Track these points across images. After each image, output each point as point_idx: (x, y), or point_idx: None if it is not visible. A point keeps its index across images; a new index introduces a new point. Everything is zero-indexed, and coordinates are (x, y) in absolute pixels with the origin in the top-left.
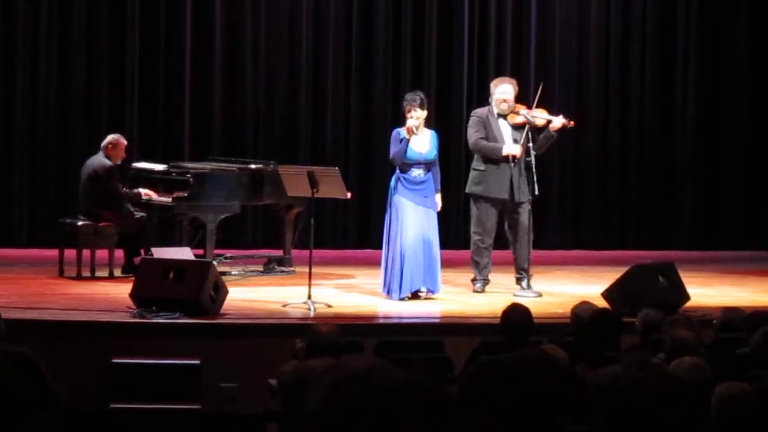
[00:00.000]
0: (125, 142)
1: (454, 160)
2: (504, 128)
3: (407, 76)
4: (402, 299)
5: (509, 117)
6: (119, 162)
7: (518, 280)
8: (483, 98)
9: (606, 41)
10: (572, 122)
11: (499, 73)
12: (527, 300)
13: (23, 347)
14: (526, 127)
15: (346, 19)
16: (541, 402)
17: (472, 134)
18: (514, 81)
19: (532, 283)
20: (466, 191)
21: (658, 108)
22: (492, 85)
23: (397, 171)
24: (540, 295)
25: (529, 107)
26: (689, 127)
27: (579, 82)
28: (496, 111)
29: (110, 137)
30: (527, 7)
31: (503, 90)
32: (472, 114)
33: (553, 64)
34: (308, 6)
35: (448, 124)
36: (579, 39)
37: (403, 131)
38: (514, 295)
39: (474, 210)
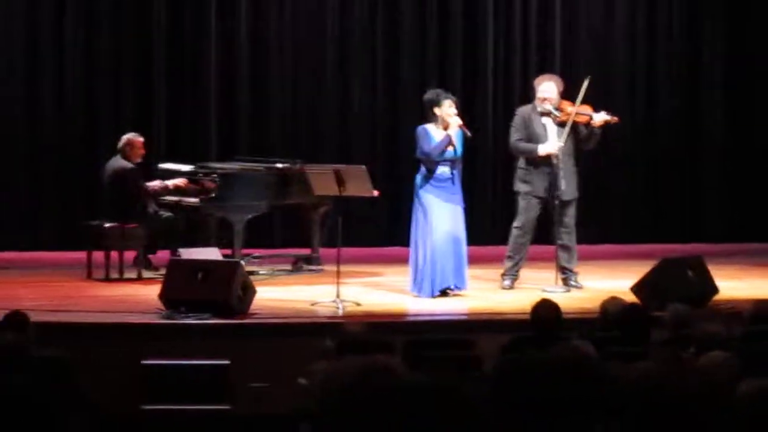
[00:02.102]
0: (141, 139)
1: (479, 158)
2: (548, 126)
3: (433, 72)
4: (433, 297)
5: (552, 115)
6: (139, 160)
7: (564, 281)
8: (508, 97)
9: (632, 32)
10: (615, 118)
11: (525, 72)
12: (556, 295)
13: (59, 351)
14: (568, 125)
15: (371, 17)
16: (573, 400)
17: (512, 135)
18: (557, 78)
19: (578, 278)
20: (514, 188)
21: (684, 100)
22: (535, 82)
23: (423, 168)
24: (569, 290)
25: (574, 104)
26: (717, 118)
27: (604, 75)
28: (538, 109)
29: (125, 137)
30: (552, 2)
31: (544, 88)
32: (515, 112)
33: (578, 57)
34: (334, 3)
35: (472, 124)
36: (604, 32)
37: (430, 129)
38: (543, 291)
39: (518, 206)
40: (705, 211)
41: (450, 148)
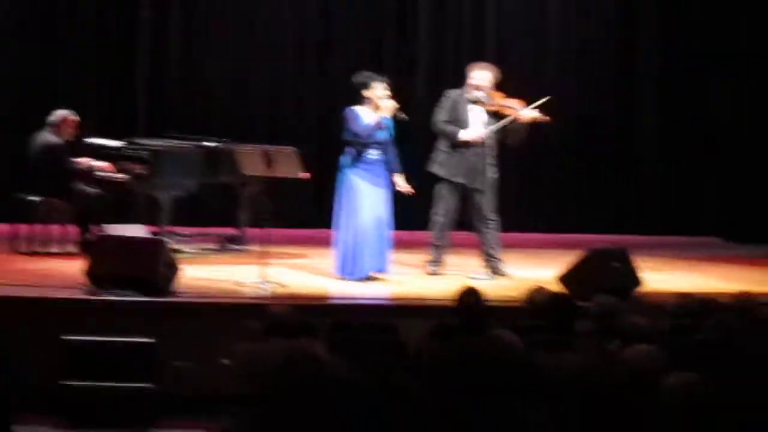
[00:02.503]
0: (75, 119)
1: (412, 142)
2: (474, 114)
3: (365, 55)
4: (362, 280)
5: (480, 103)
6: (69, 138)
7: (490, 268)
8: (441, 80)
9: (565, 17)
10: (546, 117)
11: (457, 54)
12: (481, 282)
13: None
14: (508, 119)
15: None
16: (499, 389)
17: (437, 114)
18: (493, 68)
19: (504, 266)
20: (429, 169)
21: (615, 91)
22: (468, 68)
23: (352, 150)
24: (494, 278)
25: (507, 97)
26: (648, 110)
27: (537, 61)
28: (467, 96)
29: (60, 113)
30: None
31: (478, 75)
32: (444, 93)
33: (511, 41)
34: None
35: (407, 108)
36: (538, 17)
37: (360, 110)
38: (469, 278)
39: (436, 191)
40: (636, 202)
41: (381, 131)
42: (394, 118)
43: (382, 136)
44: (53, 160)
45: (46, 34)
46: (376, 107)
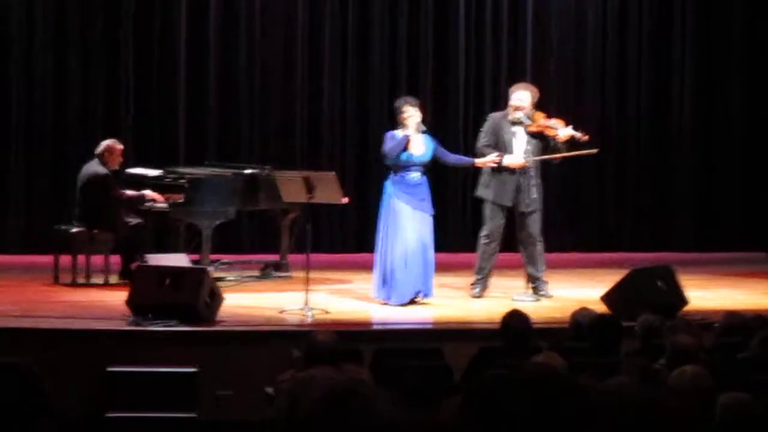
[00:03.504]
0: (121, 147)
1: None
2: (517, 135)
3: (403, 79)
4: (404, 305)
5: (523, 124)
6: (116, 167)
7: (534, 289)
8: (479, 103)
9: (603, 41)
10: (586, 136)
11: (495, 78)
12: (525, 304)
13: (23, 358)
14: (544, 136)
15: (342, 23)
16: (546, 416)
17: (480, 139)
18: (533, 88)
19: (548, 287)
20: (475, 194)
21: (655, 109)
22: (510, 90)
23: (392, 174)
24: (539, 299)
25: (549, 116)
26: (686, 127)
27: (576, 83)
28: (510, 117)
29: (105, 143)
30: (523, 9)
31: (518, 96)
32: (486, 117)
33: (549, 67)
34: (304, 9)
35: (444, 129)
36: (576, 41)
37: (397, 133)
38: (513, 300)
39: (483, 213)
40: (675, 219)
41: (416, 152)
42: (434, 141)
43: (423, 158)
44: (101, 191)
45: (85, 66)
46: (403, 127)
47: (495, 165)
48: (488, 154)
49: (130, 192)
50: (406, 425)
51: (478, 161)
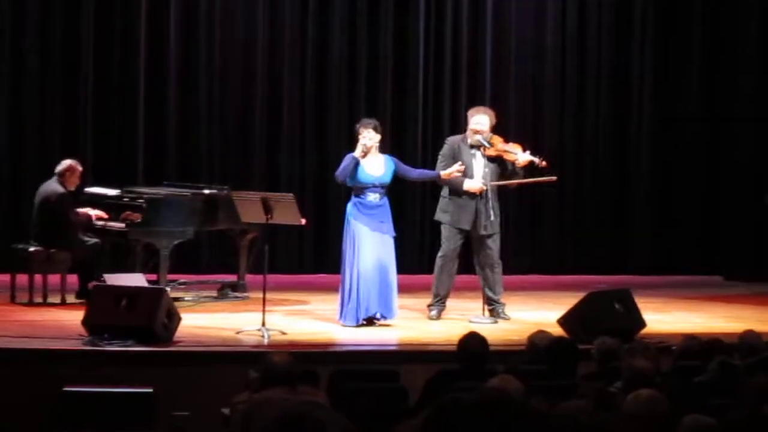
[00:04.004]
0: (81, 168)
1: (410, 185)
2: (476, 159)
3: (362, 102)
4: (358, 326)
5: (482, 148)
6: (73, 188)
7: (491, 312)
8: (438, 125)
9: (562, 65)
10: (544, 162)
11: (454, 102)
12: (483, 326)
13: None
14: (502, 160)
15: (301, 45)
16: None
17: (439, 163)
18: (490, 112)
19: (505, 309)
20: (435, 218)
21: (613, 133)
22: (468, 113)
23: (353, 196)
24: (496, 322)
25: (507, 141)
26: (644, 151)
27: (534, 106)
28: (469, 140)
29: (66, 163)
30: (482, 33)
31: (477, 120)
32: (445, 141)
33: (508, 90)
34: (264, 30)
35: (402, 152)
36: (534, 63)
37: (355, 153)
38: (470, 322)
39: (441, 235)
40: (631, 243)
41: (375, 173)
42: (365, 155)
43: (382, 179)
44: (58, 210)
45: (45, 82)
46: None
47: (460, 174)
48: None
49: (81, 210)
50: None
51: (443, 173)
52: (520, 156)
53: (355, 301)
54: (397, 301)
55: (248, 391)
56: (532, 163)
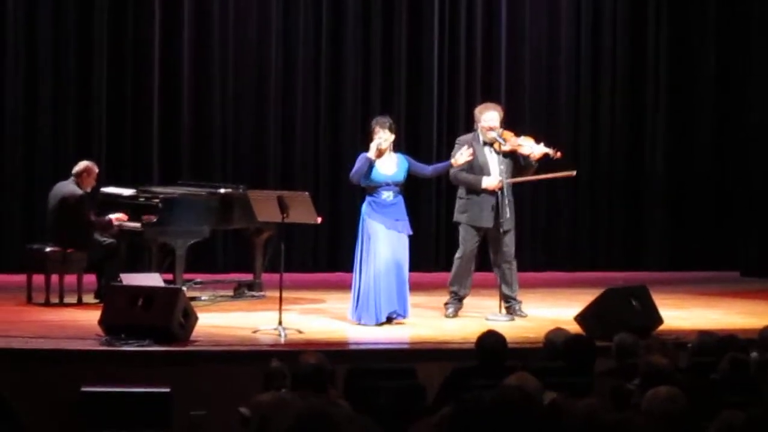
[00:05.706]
0: (97, 170)
1: (422, 182)
2: (490, 155)
3: (377, 100)
4: (378, 324)
5: (496, 145)
6: (89, 189)
7: (508, 309)
8: (452, 123)
9: (576, 63)
10: (558, 153)
11: (469, 98)
12: (499, 324)
13: None
14: (516, 154)
15: (315, 44)
16: None
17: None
18: (499, 107)
19: (522, 307)
20: (454, 220)
21: (628, 129)
22: (477, 111)
23: (367, 195)
24: (513, 319)
25: (517, 134)
26: (660, 148)
27: (549, 104)
28: (481, 138)
29: (83, 164)
30: (497, 29)
31: (489, 117)
32: (456, 141)
33: (523, 88)
34: (277, 30)
35: (416, 149)
36: (549, 61)
37: (368, 154)
38: (487, 320)
39: (459, 236)
40: (648, 238)
41: (388, 172)
42: (380, 156)
43: (395, 178)
44: (75, 210)
45: (59, 82)
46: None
47: (471, 158)
48: (463, 178)
49: (98, 218)
50: None
51: (454, 160)
52: (535, 149)
53: (374, 300)
54: (410, 299)
55: (271, 390)
56: (546, 155)
